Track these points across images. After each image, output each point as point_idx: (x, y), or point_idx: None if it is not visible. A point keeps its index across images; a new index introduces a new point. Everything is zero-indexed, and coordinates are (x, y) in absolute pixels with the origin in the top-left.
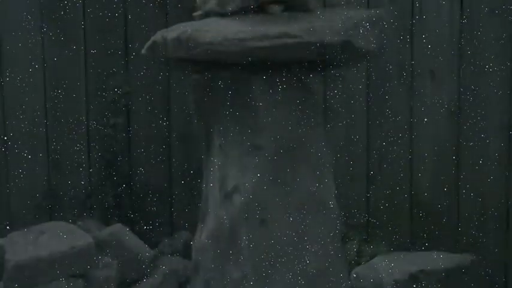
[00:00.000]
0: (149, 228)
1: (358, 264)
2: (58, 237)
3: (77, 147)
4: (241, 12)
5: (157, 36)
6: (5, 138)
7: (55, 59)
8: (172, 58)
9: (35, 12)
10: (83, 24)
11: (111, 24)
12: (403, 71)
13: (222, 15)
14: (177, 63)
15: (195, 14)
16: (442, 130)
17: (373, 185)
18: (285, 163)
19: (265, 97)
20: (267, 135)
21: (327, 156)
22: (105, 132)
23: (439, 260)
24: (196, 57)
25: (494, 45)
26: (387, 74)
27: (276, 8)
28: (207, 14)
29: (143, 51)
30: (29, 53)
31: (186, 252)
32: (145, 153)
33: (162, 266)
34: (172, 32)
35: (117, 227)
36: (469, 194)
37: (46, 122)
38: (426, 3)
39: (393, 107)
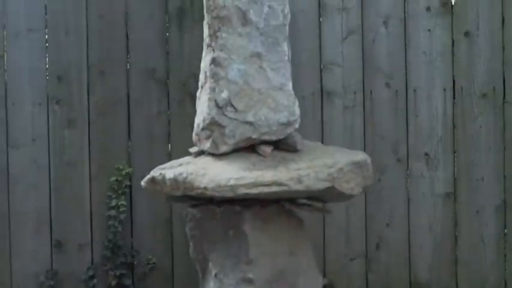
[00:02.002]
0: None
1: None
2: None
3: (80, 227)
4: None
5: (156, 173)
6: (9, 217)
7: (59, 139)
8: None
9: (41, 93)
10: (87, 106)
11: (114, 105)
12: (398, 153)
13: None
14: (174, 197)
15: (191, 150)
16: (438, 211)
17: (372, 265)
18: None
19: (256, 229)
20: (258, 266)
21: (315, 278)
22: (107, 213)
23: None
24: (192, 195)
25: (487, 127)
26: (383, 156)
27: (266, 149)
28: (202, 151)
29: (143, 184)
30: (35, 133)
31: None
32: (147, 234)
33: None
34: (170, 170)
35: None
36: (466, 274)
37: (50, 202)
38: (419, 87)
39: (390, 188)
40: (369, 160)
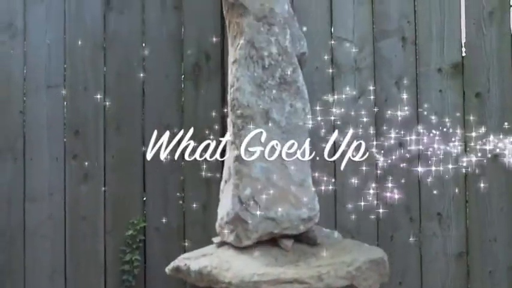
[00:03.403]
0: None
1: None
2: None
3: (94, 280)
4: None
5: (181, 262)
6: (24, 269)
7: (75, 194)
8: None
9: (58, 148)
10: (103, 161)
11: (129, 159)
12: (411, 212)
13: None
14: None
15: (214, 239)
16: (451, 270)
17: None
18: None
19: None
20: None
21: None
22: (121, 267)
23: None
24: None
25: (499, 187)
26: (396, 215)
27: (287, 243)
28: (225, 242)
29: (167, 271)
30: (51, 187)
31: None
32: None
33: None
34: (195, 262)
35: None
36: None
37: (65, 255)
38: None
39: (403, 247)
40: (385, 257)
